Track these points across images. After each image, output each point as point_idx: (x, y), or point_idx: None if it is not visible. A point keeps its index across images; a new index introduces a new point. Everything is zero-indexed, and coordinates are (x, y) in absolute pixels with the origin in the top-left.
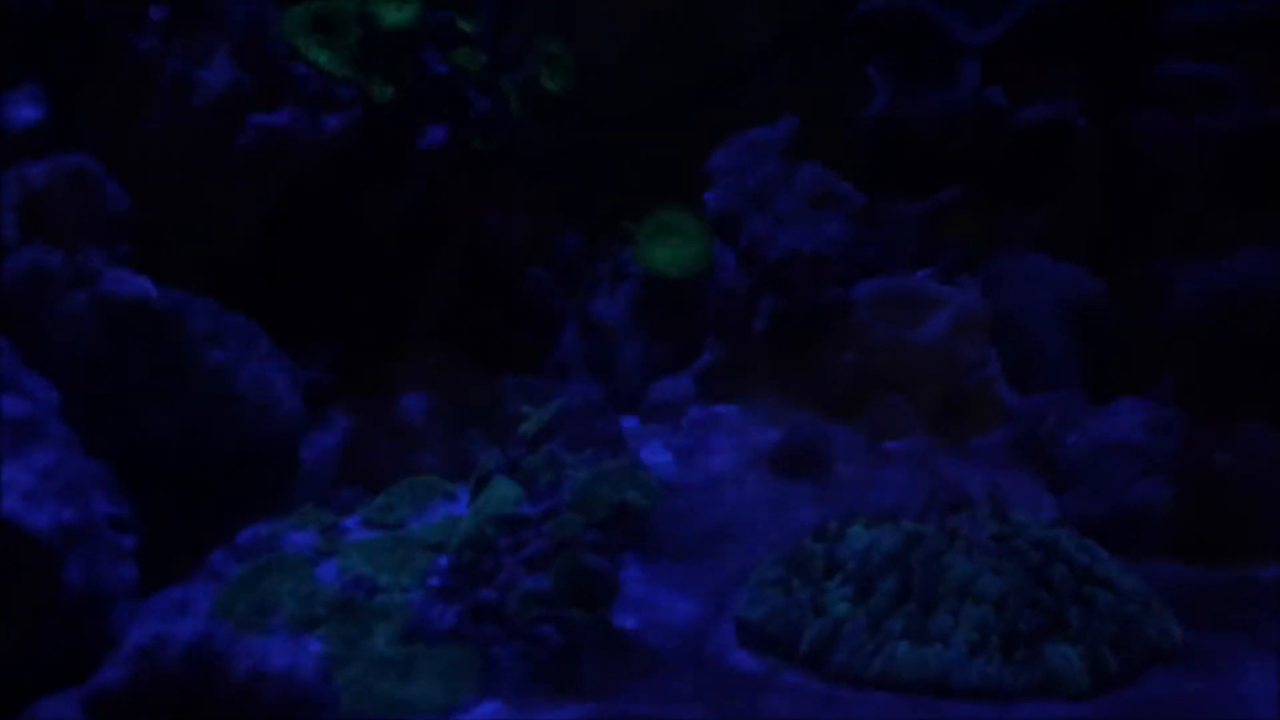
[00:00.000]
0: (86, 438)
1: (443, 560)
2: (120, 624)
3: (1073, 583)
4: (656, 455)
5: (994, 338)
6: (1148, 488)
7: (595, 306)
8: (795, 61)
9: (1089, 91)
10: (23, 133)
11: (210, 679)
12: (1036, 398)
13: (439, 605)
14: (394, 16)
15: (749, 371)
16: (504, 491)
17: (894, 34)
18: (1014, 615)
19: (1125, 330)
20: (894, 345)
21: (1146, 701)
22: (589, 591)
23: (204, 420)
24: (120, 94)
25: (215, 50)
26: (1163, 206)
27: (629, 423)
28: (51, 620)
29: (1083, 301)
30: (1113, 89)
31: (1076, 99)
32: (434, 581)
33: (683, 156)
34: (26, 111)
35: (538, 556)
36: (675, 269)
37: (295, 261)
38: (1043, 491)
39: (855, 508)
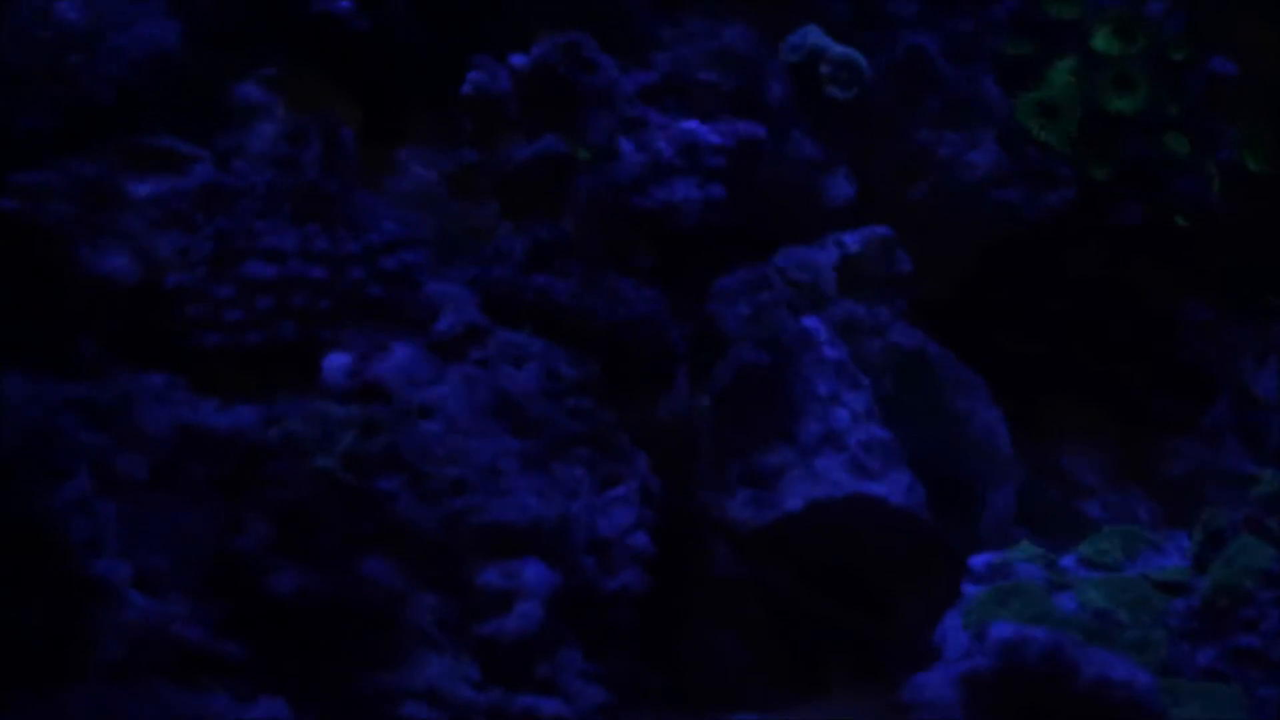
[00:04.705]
0: None
1: (1179, 604)
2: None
3: None
4: None
5: None
6: None
7: (1253, 378)
8: None
9: None
10: (840, 207)
11: (1062, 678)
12: None
13: (1186, 645)
14: (1121, 103)
15: None
16: (1254, 547)
17: None
18: None
19: None
20: None
21: None
22: None
23: (948, 459)
24: (900, 172)
25: (983, 136)
26: None
27: None
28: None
29: None
30: None
31: None
32: (1172, 622)
33: None
34: (842, 189)
35: None
36: None
37: (985, 324)
38: None
39: None
